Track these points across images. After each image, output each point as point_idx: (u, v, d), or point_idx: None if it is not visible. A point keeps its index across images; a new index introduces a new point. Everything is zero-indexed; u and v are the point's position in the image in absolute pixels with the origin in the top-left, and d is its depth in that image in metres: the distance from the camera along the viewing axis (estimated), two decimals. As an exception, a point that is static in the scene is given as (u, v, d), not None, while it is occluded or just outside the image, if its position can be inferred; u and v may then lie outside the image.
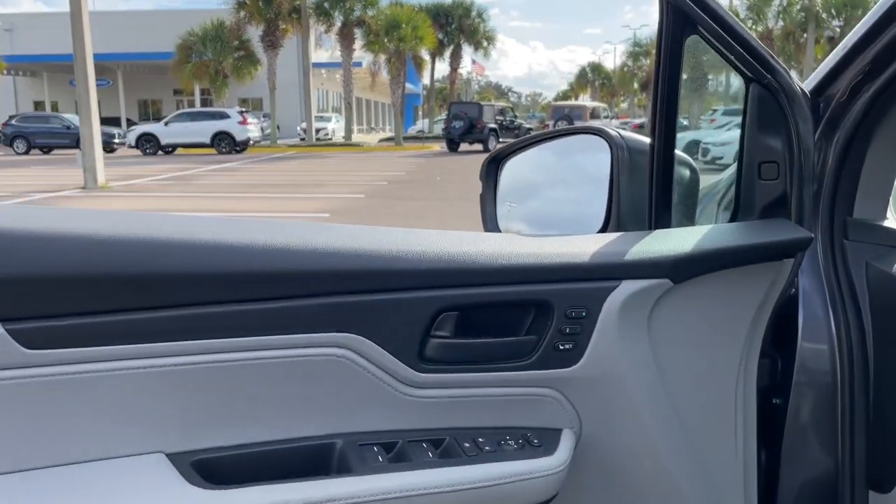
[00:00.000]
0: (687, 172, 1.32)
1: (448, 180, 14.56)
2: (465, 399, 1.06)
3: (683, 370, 1.15)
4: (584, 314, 1.06)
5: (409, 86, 35.01)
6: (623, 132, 1.32)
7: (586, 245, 1.13)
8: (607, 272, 1.09)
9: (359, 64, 30.43)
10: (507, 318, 1.06)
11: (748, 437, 1.21)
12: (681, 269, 1.08)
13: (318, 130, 28.96)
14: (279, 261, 0.93)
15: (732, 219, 1.28)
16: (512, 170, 1.52)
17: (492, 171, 1.54)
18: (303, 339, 0.97)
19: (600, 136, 1.31)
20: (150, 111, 36.56)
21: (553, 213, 1.49)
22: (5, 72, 30.44)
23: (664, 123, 1.15)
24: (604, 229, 1.30)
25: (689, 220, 1.30)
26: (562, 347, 1.04)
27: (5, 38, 32.89)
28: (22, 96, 36.60)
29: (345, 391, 1.00)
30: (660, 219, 1.23)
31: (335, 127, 31.14)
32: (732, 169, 1.36)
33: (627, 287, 1.08)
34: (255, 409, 0.95)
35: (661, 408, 1.13)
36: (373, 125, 45.84)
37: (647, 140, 1.29)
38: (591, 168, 1.38)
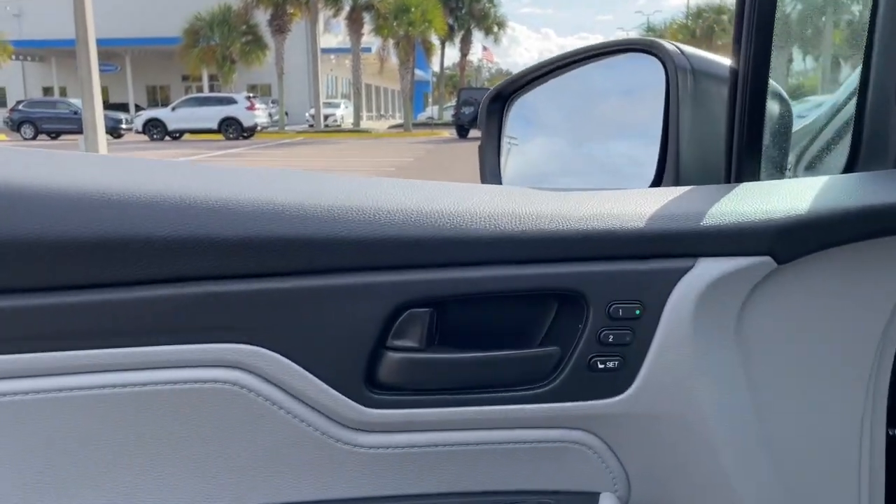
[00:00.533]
0: (776, 107, 0.91)
1: (455, 167, 14.26)
2: (441, 450, 0.70)
3: (791, 397, 0.74)
4: (637, 312, 0.71)
5: (418, 72, 34.68)
6: (684, 47, 0.90)
7: (639, 203, 0.73)
8: (674, 245, 0.71)
9: (368, 49, 30.20)
10: (512, 320, 0.73)
11: (875, 489, 0.80)
12: (790, 242, 0.73)
13: (326, 117, 28.72)
14: None
15: (848, 169, 0.87)
16: (522, 110, 1.12)
17: (495, 112, 1.14)
18: (167, 355, 0.58)
19: (651, 53, 0.91)
20: (158, 97, 36.43)
21: (580, 162, 1.09)
22: (14, 57, 30.36)
23: (756, 38, 0.78)
24: (657, 183, 0.89)
25: (779, 171, 0.88)
26: (601, 366, 0.71)
27: (14, 24, 32.74)
28: (31, 81, 36.56)
29: (234, 440, 0.61)
30: (744, 169, 0.81)
31: (344, 113, 30.92)
32: (841, 99, 0.96)
33: (707, 269, 0.72)
34: (91, 470, 0.63)
35: (757, 459, 0.72)
36: (382, 112, 45.63)
37: (720, 60, 0.91)
38: (636, 99, 0.98)
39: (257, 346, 0.62)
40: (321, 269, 0.63)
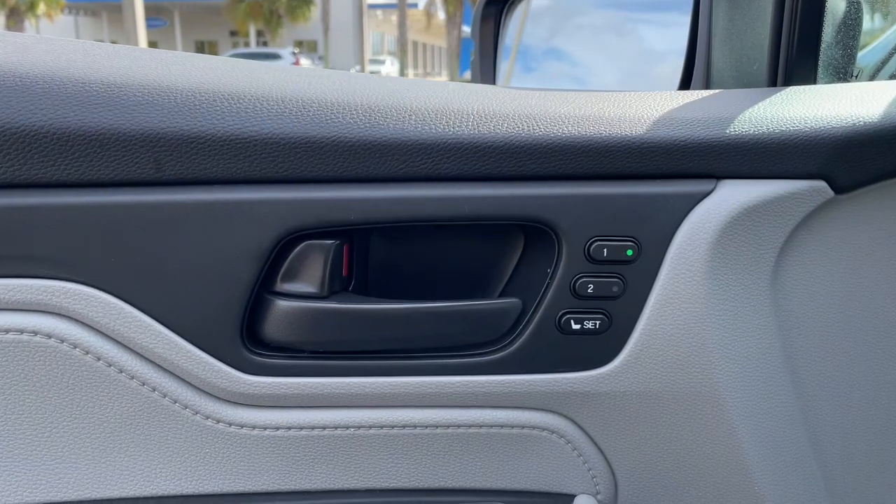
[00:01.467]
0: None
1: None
2: (353, 434, 0.53)
3: (842, 370, 0.59)
4: (628, 253, 0.52)
5: (465, 28, 33.93)
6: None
7: (644, 106, 0.55)
8: (687, 161, 0.52)
9: (414, 5, 29.69)
10: (457, 260, 0.55)
11: None
12: (853, 164, 0.52)
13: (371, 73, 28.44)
14: None
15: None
16: (523, 18, 0.91)
17: (490, 18, 0.93)
18: None
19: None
20: (206, 52, 36.61)
21: (592, 66, 0.89)
22: (66, 11, 30.74)
23: None
24: (684, 87, 0.69)
25: (841, 78, 0.67)
26: (575, 326, 0.53)
27: (66, -22, 33.12)
28: (83, 36, 37.15)
29: (57, 412, 0.49)
30: (795, 70, 0.60)
31: (389, 70, 30.58)
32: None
33: (733, 194, 0.52)
34: None
35: (792, 453, 0.59)
36: (428, 70, 45.11)
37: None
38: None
39: (83, 284, 0.45)
40: (175, 180, 0.45)
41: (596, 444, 0.56)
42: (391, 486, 0.55)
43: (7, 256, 0.44)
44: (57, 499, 0.49)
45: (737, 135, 0.50)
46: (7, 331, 0.45)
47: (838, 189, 0.52)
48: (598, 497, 0.58)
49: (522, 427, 0.55)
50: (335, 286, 0.49)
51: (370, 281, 0.54)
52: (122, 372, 0.47)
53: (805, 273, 0.55)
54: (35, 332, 0.45)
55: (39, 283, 0.44)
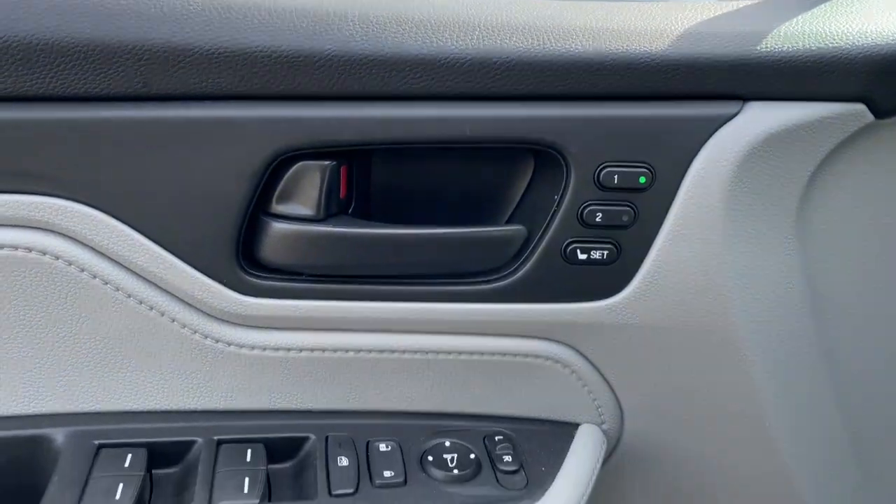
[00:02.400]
0: None
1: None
2: (356, 357, 0.53)
3: (864, 306, 0.56)
4: (641, 180, 0.49)
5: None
6: None
7: (663, 16, 0.51)
8: (710, 79, 0.48)
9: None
10: (459, 185, 0.53)
11: None
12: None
13: None
14: None
15: None
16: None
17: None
18: None
19: None
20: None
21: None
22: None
23: None
24: None
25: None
26: (581, 256, 0.50)
27: None
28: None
29: (52, 326, 0.49)
30: None
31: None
32: None
33: (761, 117, 0.48)
34: None
35: (809, 391, 0.57)
36: None
37: None
38: None
39: (77, 202, 0.44)
40: (163, 95, 0.43)
41: (602, 375, 0.55)
42: (393, 408, 0.55)
43: (5, 172, 0.43)
44: (56, 409, 0.50)
45: (767, 52, 0.46)
46: (13, 247, 0.45)
47: (879, 113, 0.47)
48: (604, 427, 0.57)
49: (526, 356, 0.53)
50: (332, 209, 0.48)
51: (371, 204, 0.52)
52: (118, 290, 0.47)
53: (835, 205, 0.51)
54: (29, 249, 0.45)
55: (32, 199, 0.43)
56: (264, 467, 0.49)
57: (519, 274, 0.50)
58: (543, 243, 0.49)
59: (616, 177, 0.47)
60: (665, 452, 0.59)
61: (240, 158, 0.44)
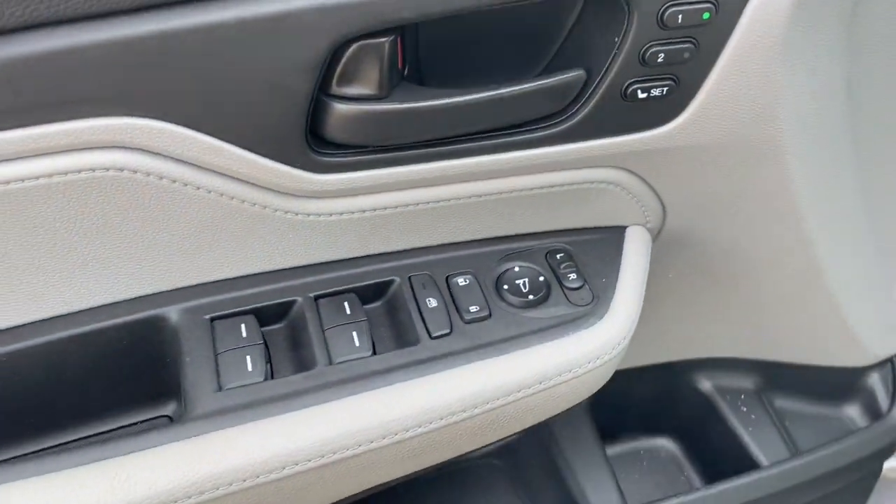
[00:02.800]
0: None
1: None
2: (428, 208, 0.56)
3: None
4: (705, 16, 0.48)
5: None
6: None
7: None
8: None
9: None
10: (509, 36, 0.53)
11: None
12: None
13: None
14: None
15: None
16: None
17: None
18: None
19: None
20: None
21: None
22: None
23: None
24: None
25: None
26: (642, 95, 0.51)
27: None
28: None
29: (145, 227, 0.50)
30: None
31: None
32: None
33: None
34: None
35: (850, 203, 0.64)
36: None
37: None
38: None
39: (143, 117, 0.44)
40: None
41: (651, 186, 0.57)
42: (462, 239, 0.58)
43: (63, 102, 0.43)
44: (162, 288, 0.52)
45: None
46: (80, 170, 0.45)
47: None
48: (647, 226, 0.61)
49: (582, 183, 0.56)
50: (394, 82, 0.48)
51: (424, 67, 0.52)
52: (199, 188, 0.48)
53: (884, 21, 0.52)
54: (107, 168, 0.46)
55: (101, 122, 0.44)
56: (364, 318, 0.53)
57: (578, 117, 0.50)
58: (604, 86, 0.49)
59: (680, 16, 0.47)
60: (700, 241, 0.64)
61: (300, 51, 0.45)
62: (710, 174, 0.58)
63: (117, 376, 0.53)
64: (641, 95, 0.49)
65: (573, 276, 0.58)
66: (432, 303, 0.54)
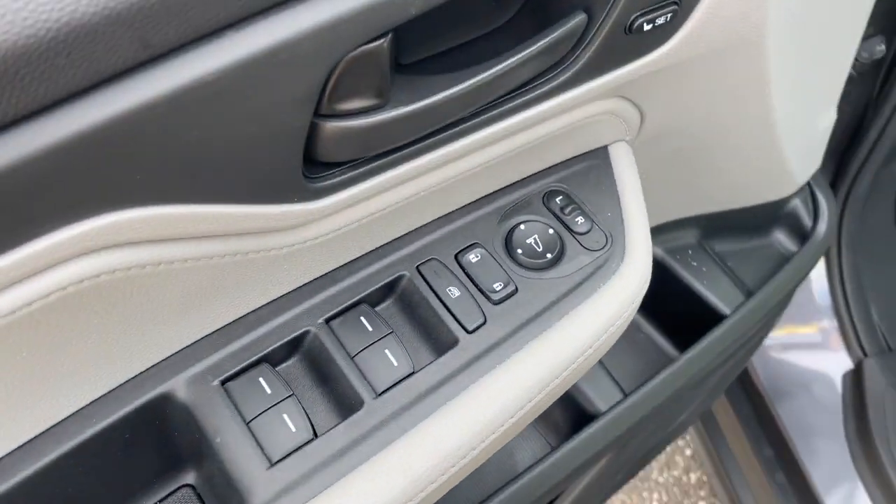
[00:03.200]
0: None
1: None
2: (417, 198, 0.50)
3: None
4: None
5: None
6: None
7: None
8: None
9: None
10: None
11: None
12: None
13: None
14: None
15: None
16: None
17: None
18: None
19: None
20: None
21: None
22: None
23: None
24: None
25: None
26: (647, 27, 0.47)
27: None
28: None
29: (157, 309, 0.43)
30: None
31: None
32: None
33: None
34: None
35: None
36: None
37: None
38: None
39: (126, 209, 0.34)
40: (175, 45, 0.31)
41: (637, 105, 0.56)
42: (456, 207, 0.54)
43: (40, 215, 0.32)
44: (158, 358, 0.44)
45: None
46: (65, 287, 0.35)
47: None
48: (626, 139, 0.61)
49: (577, 122, 0.53)
50: (383, 91, 0.40)
51: (401, 46, 0.44)
52: (195, 259, 0.39)
53: None
54: (98, 275, 0.35)
55: (81, 227, 0.33)
56: (390, 330, 0.48)
57: (580, 63, 0.46)
58: (608, 24, 0.44)
59: None
60: (667, 137, 0.64)
61: (294, 85, 0.35)
62: (693, 82, 0.56)
63: (128, 472, 0.45)
64: (647, 28, 0.45)
65: (580, 219, 0.55)
66: (454, 292, 0.50)
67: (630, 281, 0.53)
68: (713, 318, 0.78)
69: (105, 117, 0.31)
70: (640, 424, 0.72)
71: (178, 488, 0.48)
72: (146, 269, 0.38)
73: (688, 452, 1.67)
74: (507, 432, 0.48)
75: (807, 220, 0.84)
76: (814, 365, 1.23)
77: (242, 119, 0.35)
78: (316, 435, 0.44)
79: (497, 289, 0.51)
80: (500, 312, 0.50)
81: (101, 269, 0.35)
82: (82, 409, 0.42)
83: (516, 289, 0.51)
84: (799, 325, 1.26)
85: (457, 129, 0.45)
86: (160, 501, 0.47)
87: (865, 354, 1.19)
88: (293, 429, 0.43)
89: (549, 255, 0.53)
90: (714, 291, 0.80)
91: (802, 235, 0.84)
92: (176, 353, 0.44)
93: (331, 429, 0.44)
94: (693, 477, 1.67)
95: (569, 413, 0.72)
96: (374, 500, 0.42)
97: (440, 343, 0.49)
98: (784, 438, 1.20)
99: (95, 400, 0.42)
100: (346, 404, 0.46)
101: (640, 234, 0.55)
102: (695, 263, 0.82)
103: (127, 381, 0.43)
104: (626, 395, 0.71)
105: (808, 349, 1.24)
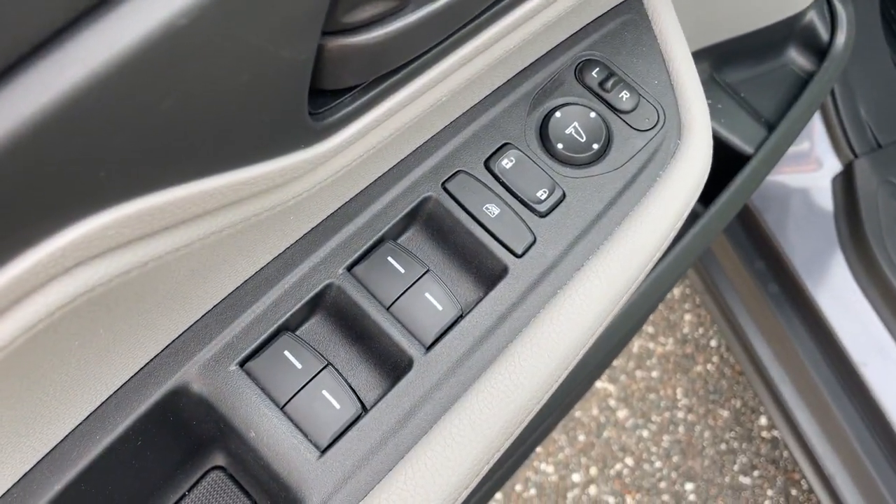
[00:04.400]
0: None
1: None
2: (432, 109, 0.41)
3: None
4: None
5: None
6: None
7: None
8: None
9: None
10: None
11: None
12: None
13: None
14: None
15: None
16: None
17: None
18: None
19: None
20: None
21: None
22: None
23: None
24: None
25: None
26: None
27: None
28: None
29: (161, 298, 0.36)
30: None
31: None
32: None
33: None
34: None
35: None
36: None
37: None
38: None
39: (117, 205, 0.25)
40: None
41: None
42: (473, 104, 0.45)
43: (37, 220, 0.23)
44: (168, 341, 0.37)
45: None
46: (74, 299, 0.27)
47: None
48: None
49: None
50: None
51: None
52: (197, 240, 0.30)
53: None
54: (93, 288, 0.27)
55: (78, 232, 0.25)
56: (426, 268, 0.40)
57: None
58: None
59: None
60: None
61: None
62: None
63: (145, 477, 0.39)
64: None
65: (624, 94, 0.45)
66: (492, 210, 0.41)
67: (693, 163, 0.45)
68: (736, 159, 0.72)
69: (35, 109, 0.21)
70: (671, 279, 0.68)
71: (211, 469, 0.42)
72: (132, 275, 0.29)
73: (670, 268, 1.69)
74: (586, 366, 0.42)
75: (823, 33, 0.76)
76: (802, 175, 1.20)
77: (231, 64, 0.25)
78: (365, 409, 0.38)
79: (542, 197, 0.43)
80: (550, 225, 0.42)
81: (74, 293, 0.27)
82: (78, 426, 0.35)
83: (564, 194, 0.43)
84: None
85: (472, 23, 0.35)
86: (189, 490, 0.41)
87: (856, 155, 1.16)
88: (337, 406, 0.37)
89: (595, 146, 0.44)
90: (733, 130, 0.73)
91: (819, 50, 0.76)
92: (176, 339, 0.37)
93: (381, 398, 0.38)
94: (676, 292, 1.70)
95: None
96: (453, 471, 0.37)
97: (487, 274, 0.41)
98: (776, 250, 1.19)
99: (86, 418, 0.35)
100: (391, 366, 0.39)
101: (696, 103, 0.46)
102: (710, 101, 0.74)
103: (125, 384, 0.36)
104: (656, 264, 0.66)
105: (796, 159, 1.21)
